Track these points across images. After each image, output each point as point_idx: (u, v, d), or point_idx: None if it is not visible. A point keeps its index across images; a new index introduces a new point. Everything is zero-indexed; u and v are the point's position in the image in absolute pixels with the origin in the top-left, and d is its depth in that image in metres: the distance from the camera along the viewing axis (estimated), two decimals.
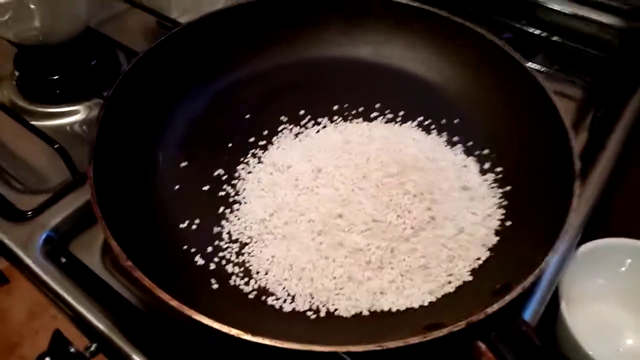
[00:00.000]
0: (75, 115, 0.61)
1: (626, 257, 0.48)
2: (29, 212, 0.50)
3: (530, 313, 0.42)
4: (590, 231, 0.49)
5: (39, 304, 1.17)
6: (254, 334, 0.34)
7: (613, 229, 0.52)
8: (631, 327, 0.48)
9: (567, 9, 0.69)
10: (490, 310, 0.33)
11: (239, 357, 0.42)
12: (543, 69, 0.65)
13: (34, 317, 1.20)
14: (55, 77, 0.63)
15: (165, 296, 0.36)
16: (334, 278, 0.41)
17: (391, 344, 0.33)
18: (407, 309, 0.39)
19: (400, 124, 0.53)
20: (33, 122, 0.56)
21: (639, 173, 0.60)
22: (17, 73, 0.63)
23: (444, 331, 0.33)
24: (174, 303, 0.35)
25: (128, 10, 0.75)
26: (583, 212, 0.48)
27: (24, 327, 1.19)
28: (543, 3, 0.70)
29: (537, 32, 0.67)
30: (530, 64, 0.52)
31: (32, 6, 0.56)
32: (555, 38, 0.66)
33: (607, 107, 0.59)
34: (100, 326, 0.43)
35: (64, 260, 0.48)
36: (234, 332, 0.34)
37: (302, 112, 0.54)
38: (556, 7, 0.70)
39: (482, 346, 0.32)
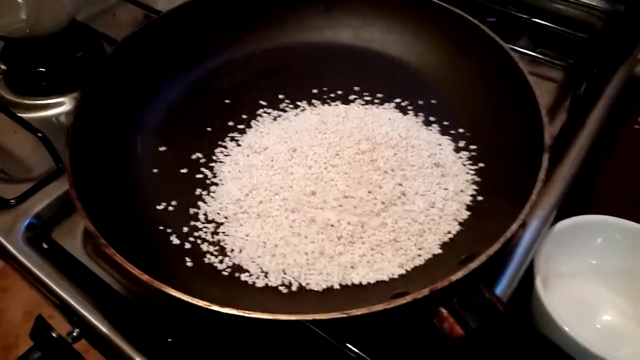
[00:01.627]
0: (61, 106, 0.62)
1: (602, 233, 0.48)
2: (12, 200, 0.50)
3: (502, 288, 0.42)
4: (573, 209, 0.49)
5: (34, 304, 1.17)
6: (221, 305, 0.34)
7: (596, 206, 0.52)
8: (609, 304, 0.48)
9: None
10: (454, 277, 0.34)
11: (221, 339, 0.42)
12: (526, 51, 0.65)
13: (30, 317, 1.18)
14: (42, 70, 0.63)
15: (136, 271, 0.36)
16: (306, 254, 0.41)
17: (356, 312, 0.33)
18: (378, 281, 0.40)
19: (378, 106, 0.53)
20: (20, 114, 0.56)
21: (624, 151, 0.61)
22: (3, 66, 0.64)
23: (408, 298, 0.33)
24: (145, 278, 0.36)
25: (117, 4, 0.76)
26: (559, 188, 0.48)
27: (20, 327, 1.19)
28: None
29: (521, 15, 0.68)
30: (512, 47, 0.52)
31: None
32: (538, 20, 0.66)
33: (588, 87, 0.59)
34: (82, 311, 0.44)
35: (46, 246, 0.49)
36: (201, 303, 0.34)
37: (281, 96, 0.55)
38: None
39: (444, 312, 0.33)
